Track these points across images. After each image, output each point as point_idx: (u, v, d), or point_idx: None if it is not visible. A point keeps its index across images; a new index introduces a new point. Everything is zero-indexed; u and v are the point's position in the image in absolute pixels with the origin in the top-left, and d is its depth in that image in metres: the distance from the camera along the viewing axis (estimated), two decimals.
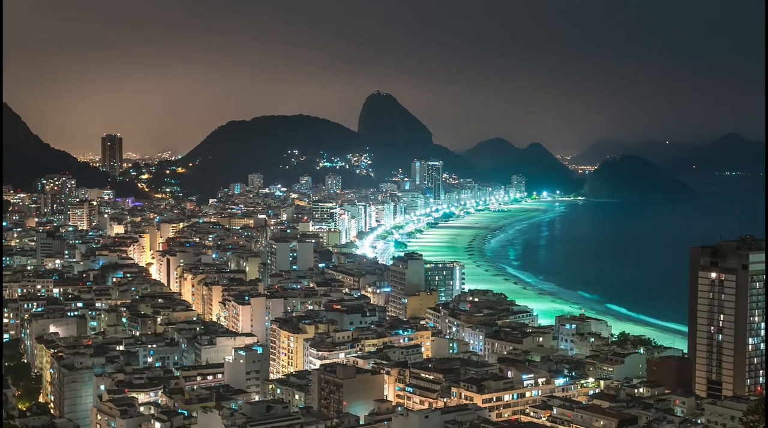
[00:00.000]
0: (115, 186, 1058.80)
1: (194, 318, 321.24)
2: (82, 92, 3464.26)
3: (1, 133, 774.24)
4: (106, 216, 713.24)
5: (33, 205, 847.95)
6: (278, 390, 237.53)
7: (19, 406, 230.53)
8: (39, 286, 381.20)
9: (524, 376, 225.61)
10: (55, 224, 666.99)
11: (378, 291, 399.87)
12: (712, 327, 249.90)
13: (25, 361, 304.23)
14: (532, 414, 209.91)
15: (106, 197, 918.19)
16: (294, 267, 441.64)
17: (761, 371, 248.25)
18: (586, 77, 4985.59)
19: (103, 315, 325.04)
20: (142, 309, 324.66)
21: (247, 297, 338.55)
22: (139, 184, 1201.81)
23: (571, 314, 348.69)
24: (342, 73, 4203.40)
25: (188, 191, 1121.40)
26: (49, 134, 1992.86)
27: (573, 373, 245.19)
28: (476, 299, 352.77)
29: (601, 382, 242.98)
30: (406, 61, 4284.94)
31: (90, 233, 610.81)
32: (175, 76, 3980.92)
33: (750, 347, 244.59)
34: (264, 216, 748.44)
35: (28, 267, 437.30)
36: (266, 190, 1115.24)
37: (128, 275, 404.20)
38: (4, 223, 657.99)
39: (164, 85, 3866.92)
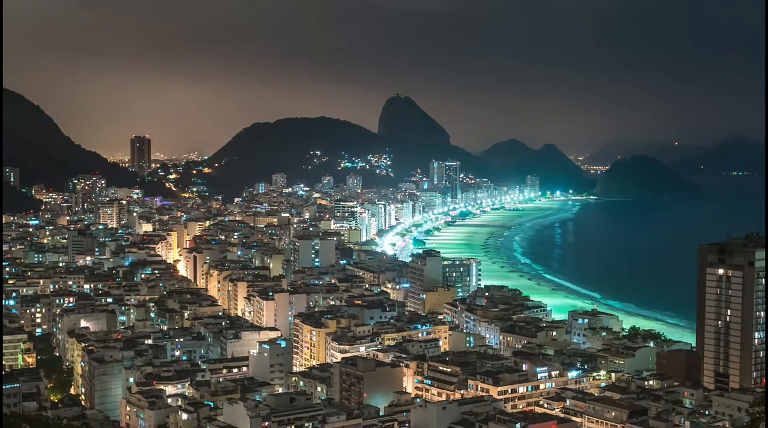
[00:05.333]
0: (143, 185, 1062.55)
1: (220, 313, 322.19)
2: (112, 95, 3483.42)
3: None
4: (135, 214, 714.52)
5: (65, 204, 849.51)
6: (301, 383, 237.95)
7: (51, 398, 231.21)
8: (70, 282, 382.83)
9: (538, 369, 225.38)
10: (86, 222, 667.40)
11: (397, 287, 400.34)
12: (719, 322, 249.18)
13: (57, 355, 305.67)
14: (546, 405, 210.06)
15: (135, 196, 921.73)
16: (316, 263, 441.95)
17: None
18: (597, 81, 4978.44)
19: (132, 310, 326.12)
20: (169, 304, 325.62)
21: (271, 293, 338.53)
22: (166, 184, 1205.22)
23: (583, 309, 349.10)
24: (362, 77, 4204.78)
25: (214, 190, 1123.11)
26: (80, 135, 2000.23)
27: (585, 366, 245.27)
28: (492, 294, 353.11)
29: (613, 375, 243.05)
30: (424, 66, 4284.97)
31: (119, 231, 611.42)
32: (202, 80, 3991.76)
33: (756, 341, 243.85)
34: (287, 214, 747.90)
35: (60, 264, 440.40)
36: (289, 190, 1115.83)
37: (156, 271, 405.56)
38: (36, 222, 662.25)
39: (191, 88, 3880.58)
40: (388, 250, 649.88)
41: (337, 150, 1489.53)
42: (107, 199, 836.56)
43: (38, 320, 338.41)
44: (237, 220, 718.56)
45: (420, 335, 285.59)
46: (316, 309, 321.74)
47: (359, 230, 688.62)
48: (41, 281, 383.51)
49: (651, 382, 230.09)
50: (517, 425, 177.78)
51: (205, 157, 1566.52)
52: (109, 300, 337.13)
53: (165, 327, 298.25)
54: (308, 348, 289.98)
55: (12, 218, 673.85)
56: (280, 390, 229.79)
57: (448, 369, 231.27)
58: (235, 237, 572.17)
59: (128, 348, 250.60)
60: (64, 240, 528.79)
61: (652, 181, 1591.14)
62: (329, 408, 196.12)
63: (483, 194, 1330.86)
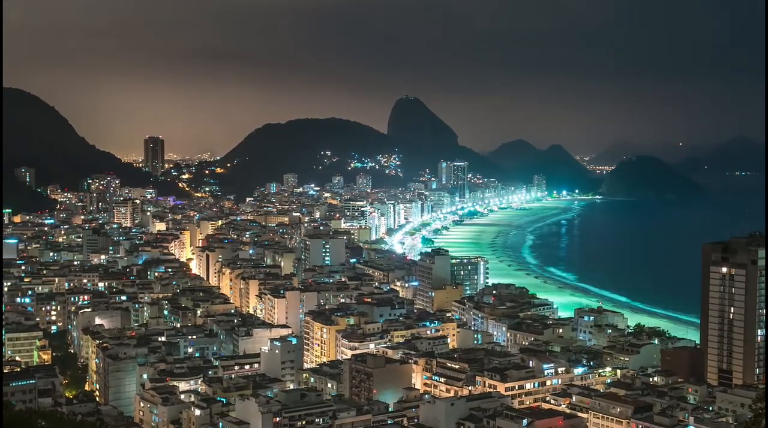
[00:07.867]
0: (157, 185, 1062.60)
1: (232, 311, 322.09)
2: (126, 96, 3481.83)
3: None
4: (148, 214, 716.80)
5: (80, 204, 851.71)
6: (312, 379, 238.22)
7: (67, 394, 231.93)
8: (85, 280, 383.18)
9: (545, 366, 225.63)
10: (100, 221, 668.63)
11: (406, 285, 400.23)
12: (723, 319, 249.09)
13: (72, 351, 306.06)
14: (552, 401, 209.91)
15: (149, 196, 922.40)
16: (327, 262, 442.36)
17: None
18: (602, 83, 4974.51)
19: (145, 308, 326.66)
20: (182, 302, 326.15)
21: (282, 291, 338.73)
22: (179, 184, 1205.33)
23: (589, 307, 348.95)
24: (372, 78, 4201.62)
25: (226, 190, 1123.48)
26: (94, 136, 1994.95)
27: (591, 363, 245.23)
28: (500, 292, 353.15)
29: (618, 371, 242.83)
30: (432, 67, 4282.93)
31: (133, 230, 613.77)
32: (214, 81, 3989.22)
33: (759, 338, 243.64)
34: (298, 214, 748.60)
35: (75, 263, 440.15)
36: (300, 189, 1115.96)
37: (169, 270, 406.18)
38: (51, 221, 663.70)
39: (204, 90, 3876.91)
40: (397, 249, 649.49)
41: (347, 150, 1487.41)
42: (121, 198, 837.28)
43: (53, 317, 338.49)
44: (249, 219, 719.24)
45: (429, 332, 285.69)
46: (326, 307, 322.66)
47: (369, 229, 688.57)
48: (56, 279, 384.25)
49: (655, 379, 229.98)
50: (524, 421, 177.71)
51: (218, 158, 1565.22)
52: (123, 298, 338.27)
53: (178, 325, 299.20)
54: (319, 345, 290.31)
55: (28, 217, 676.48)
56: (291, 387, 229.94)
57: (456, 366, 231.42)
58: (247, 236, 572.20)
59: (142, 345, 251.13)
60: (79, 239, 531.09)
61: (656, 181, 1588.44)
62: (339, 404, 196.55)
63: (490, 194, 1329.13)
